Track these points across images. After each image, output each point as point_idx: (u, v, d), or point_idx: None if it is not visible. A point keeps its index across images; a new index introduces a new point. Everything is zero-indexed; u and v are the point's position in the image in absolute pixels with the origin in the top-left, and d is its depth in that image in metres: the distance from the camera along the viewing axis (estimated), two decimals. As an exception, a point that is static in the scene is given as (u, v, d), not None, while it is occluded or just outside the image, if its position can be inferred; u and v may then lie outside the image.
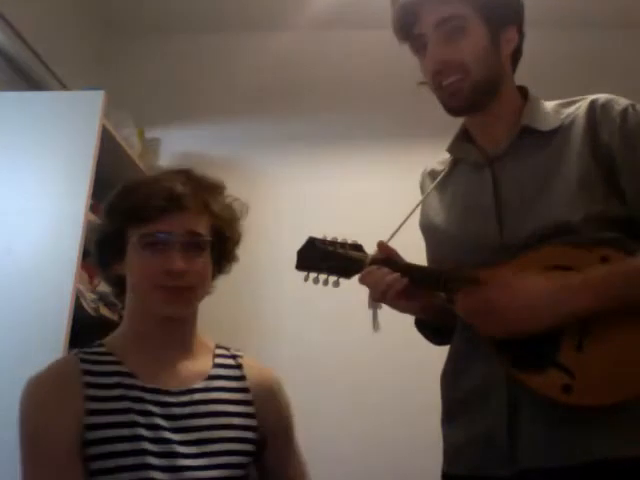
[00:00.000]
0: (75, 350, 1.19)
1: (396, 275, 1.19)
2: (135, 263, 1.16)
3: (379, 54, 2.89)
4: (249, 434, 1.18)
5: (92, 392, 1.10)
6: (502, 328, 1.09)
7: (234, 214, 1.26)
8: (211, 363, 1.23)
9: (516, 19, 1.25)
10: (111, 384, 1.11)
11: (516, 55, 1.28)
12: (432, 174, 1.38)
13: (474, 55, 1.19)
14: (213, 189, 1.23)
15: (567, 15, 2.79)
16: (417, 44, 1.24)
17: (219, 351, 1.27)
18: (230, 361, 1.26)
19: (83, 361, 1.14)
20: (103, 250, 1.23)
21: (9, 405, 1.20)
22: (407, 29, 1.24)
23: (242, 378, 1.23)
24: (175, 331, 1.20)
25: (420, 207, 1.38)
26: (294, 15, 2.85)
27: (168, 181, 1.18)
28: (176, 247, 1.14)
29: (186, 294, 1.16)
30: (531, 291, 1.08)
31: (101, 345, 1.19)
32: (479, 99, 1.22)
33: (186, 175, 1.22)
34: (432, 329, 1.36)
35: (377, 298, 1.22)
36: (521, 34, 1.27)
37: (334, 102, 2.92)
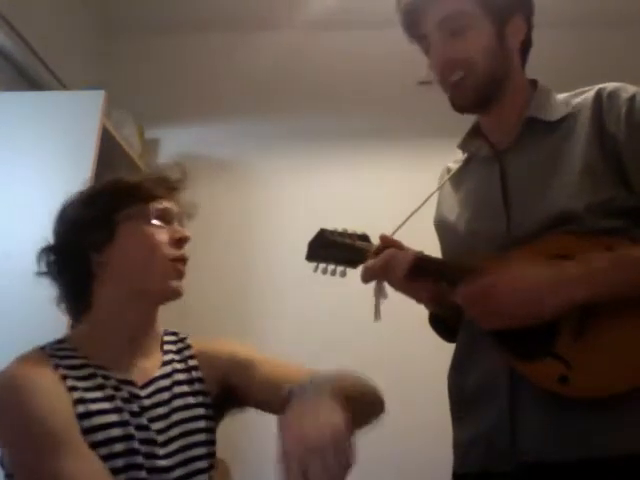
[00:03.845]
0: (38, 346, 1.15)
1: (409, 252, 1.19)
2: (143, 236, 1.18)
3: (379, 54, 2.89)
4: (203, 408, 1.18)
5: (72, 383, 1.08)
6: (501, 317, 1.07)
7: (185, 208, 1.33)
8: (161, 350, 1.23)
9: (522, 7, 1.21)
10: (87, 375, 1.10)
11: (525, 46, 1.24)
12: (449, 172, 1.38)
13: (479, 50, 1.17)
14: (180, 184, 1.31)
15: (568, 15, 2.79)
16: (424, 44, 1.23)
17: (167, 337, 1.26)
18: (180, 345, 1.26)
19: (51, 356, 1.11)
20: (83, 236, 1.19)
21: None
22: (413, 29, 1.23)
23: (192, 357, 1.24)
24: (149, 323, 1.21)
25: (436, 204, 1.38)
26: (294, 15, 2.85)
27: (160, 172, 1.28)
28: (176, 222, 1.24)
29: (184, 268, 1.22)
30: (531, 280, 1.06)
31: (62, 341, 1.17)
32: (484, 96, 1.21)
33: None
34: (444, 326, 1.34)
35: (388, 275, 1.19)
36: (529, 23, 1.22)
37: (334, 102, 2.91)
